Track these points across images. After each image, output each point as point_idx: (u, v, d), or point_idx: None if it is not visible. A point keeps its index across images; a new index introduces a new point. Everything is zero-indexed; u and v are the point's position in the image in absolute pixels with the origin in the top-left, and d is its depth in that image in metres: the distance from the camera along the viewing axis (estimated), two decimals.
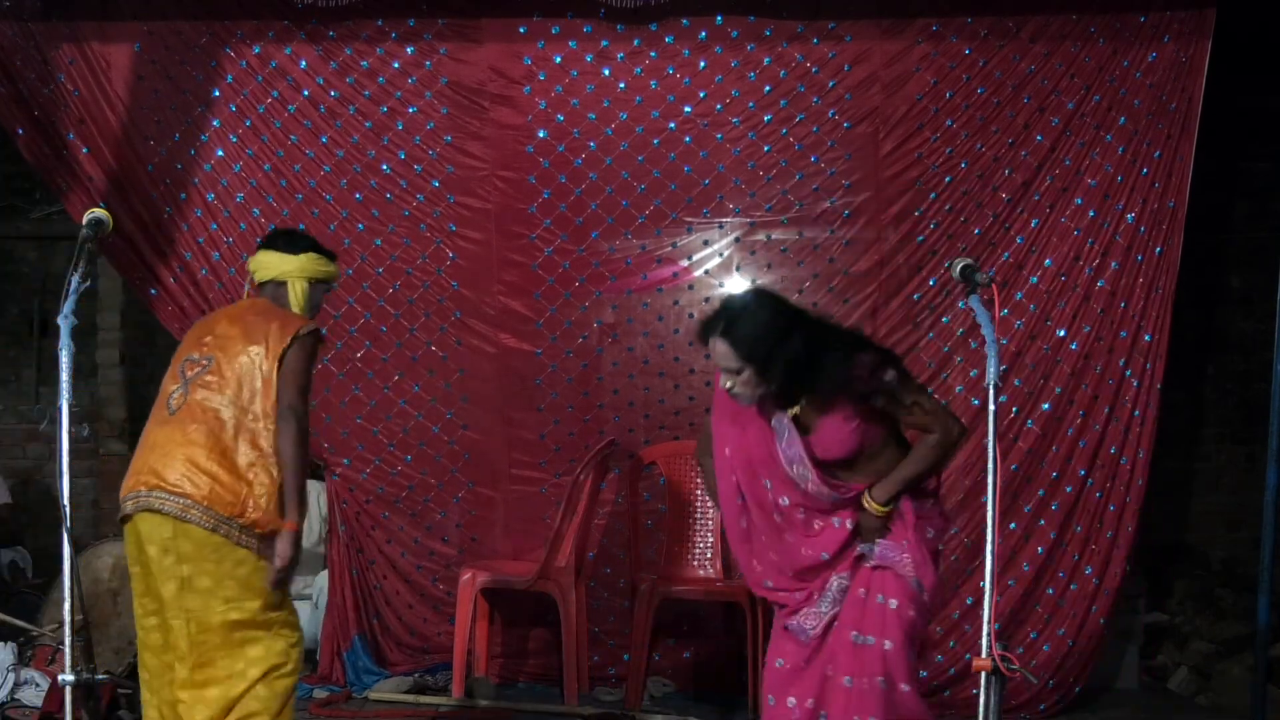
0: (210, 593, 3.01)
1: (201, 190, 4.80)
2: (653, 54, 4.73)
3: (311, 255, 3.34)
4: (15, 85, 4.69)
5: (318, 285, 3.37)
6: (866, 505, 2.91)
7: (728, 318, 2.86)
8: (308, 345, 3.16)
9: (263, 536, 3.03)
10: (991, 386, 2.77)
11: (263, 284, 3.35)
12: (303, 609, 4.73)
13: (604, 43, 4.73)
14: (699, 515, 4.83)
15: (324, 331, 3.36)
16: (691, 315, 4.86)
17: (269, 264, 3.32)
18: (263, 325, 3.16)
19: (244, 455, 3.04)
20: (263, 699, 3.06)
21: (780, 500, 2.96)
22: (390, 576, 4.93)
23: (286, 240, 3.38)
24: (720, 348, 2.84)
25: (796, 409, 2.93)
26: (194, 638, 3.02)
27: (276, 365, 3.09)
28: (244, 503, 3.01)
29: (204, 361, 3.14)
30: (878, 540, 2.92)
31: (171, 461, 3.02)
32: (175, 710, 3.06)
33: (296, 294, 3.30)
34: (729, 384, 2.87)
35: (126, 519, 3.08)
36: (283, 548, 3.02)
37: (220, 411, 3.06)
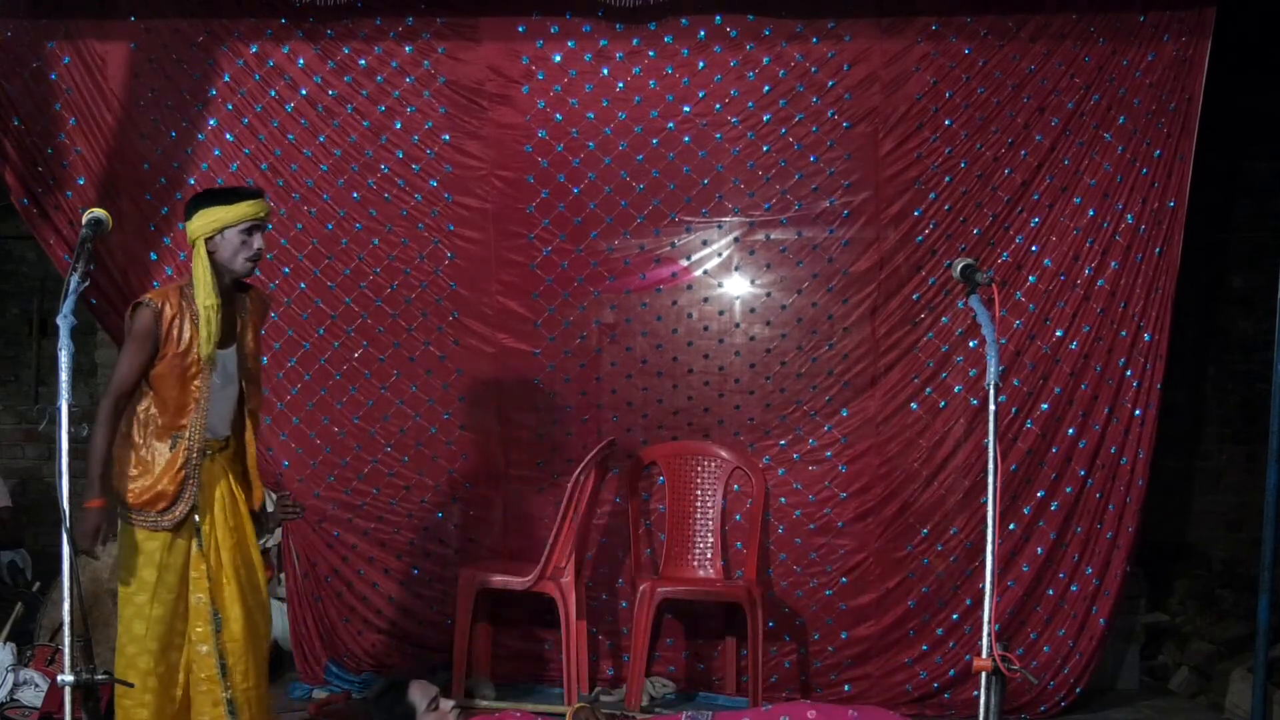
0: None
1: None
2: (651, 53, 4.71)
3: (197, 215, 3.31)
4: (10, 83, 4.68)
5: (224, 237, 3.29)
6: None
7: None
8: (129, 321, 3.32)
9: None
10: (992, 386, 2.77)
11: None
12: (278, 609, 4.73)
13: (603, 42, 4.71)
14: (698, 515, 4.83)
15: (146, 302, 3.31)
16: (690, 315, 4.85)
17: None
18: None
19: None
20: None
21: None
22: (386, 579, 4.91)
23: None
24: None
25: None
26: None
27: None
28: None
29: None
30: None
31: None
32: None
33: (200, 259, 3.30)
34: None
35: None
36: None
37: None
